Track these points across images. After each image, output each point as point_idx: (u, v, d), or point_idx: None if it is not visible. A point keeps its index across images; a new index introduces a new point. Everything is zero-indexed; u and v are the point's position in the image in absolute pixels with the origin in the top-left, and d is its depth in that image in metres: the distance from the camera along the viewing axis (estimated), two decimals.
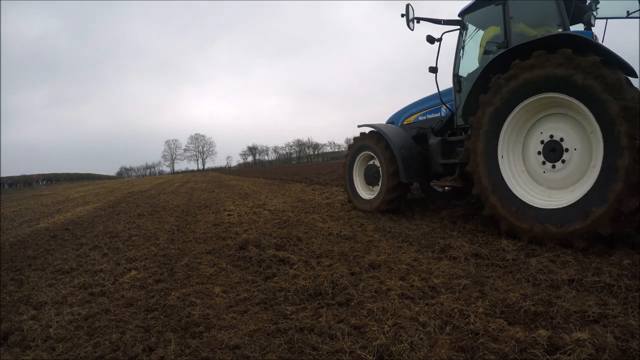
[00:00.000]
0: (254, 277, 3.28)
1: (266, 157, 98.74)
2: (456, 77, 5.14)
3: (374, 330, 2.15)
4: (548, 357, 1.79)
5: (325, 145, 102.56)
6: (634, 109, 2.98)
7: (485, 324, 2.11)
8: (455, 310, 2.31)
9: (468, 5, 4.92)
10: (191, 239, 5.07)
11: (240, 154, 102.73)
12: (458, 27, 5.16)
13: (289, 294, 2.81)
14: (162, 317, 2.56)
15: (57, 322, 2.57)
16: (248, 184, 16.43)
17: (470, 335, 2.03)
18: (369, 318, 2.34)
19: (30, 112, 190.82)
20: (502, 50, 4.17)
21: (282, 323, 2.33)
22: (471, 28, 5.10)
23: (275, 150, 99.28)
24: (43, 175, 50.56)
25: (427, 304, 2.47)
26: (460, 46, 5.15)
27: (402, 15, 5.08)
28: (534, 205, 3.64)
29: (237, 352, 2.05)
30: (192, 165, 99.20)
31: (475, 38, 5.09)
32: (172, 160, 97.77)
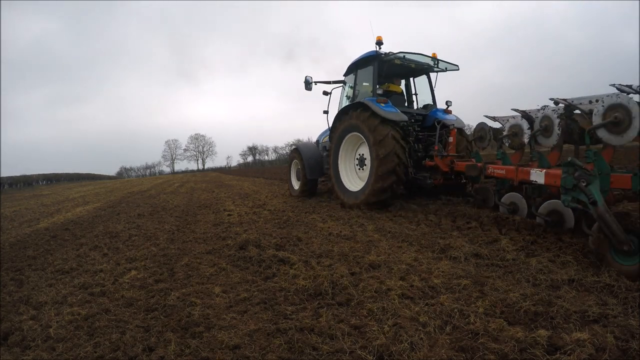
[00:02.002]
0: (254, 277, 3.28)
1: (266, 157, 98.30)
2: None
3: (374, 330, 2.15)
4: (548, 357, 1.79)
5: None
6: (378, 139, 5.85)
7: (485, 324, 2.11)
8: (455, 310, 2.31)
9: (345, 71, 7.78)
10: (191, 239, 5.07)
11: (240, 154, 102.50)
12: (342, 84, 8.20)
13: (289, 294, 2.81)
14: (162, 317, 2.56)
15: (57, 322, 2.56)
16: (248, 184, 16.43)
17: (470, 335, 2.03)
18: (369, 318, 2.34)
19: (30, 112, 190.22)
20: (348, 103, 7.21)
21: (282, 323, 2.33)
22: (351, 84, 7.64)
23: (275, 150, 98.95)
24: (43, 175, 50.51)
25: (427, 304, 2.47)
26: (343, 96, 8.01)
27: (304, 82, 8.20)
28: (353, 190, 6.62)
29: (237, 352, 2.05)
30: (192, 165, 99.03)
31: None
32: (172, 160, 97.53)
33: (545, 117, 4.10)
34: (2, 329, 2.50)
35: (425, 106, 7.40)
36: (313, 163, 8.33)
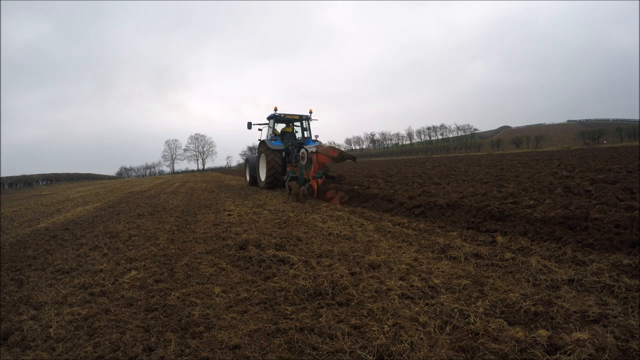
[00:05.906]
0: (254, 277, 3.28)
1: None
2: None
3: (374, 330, 2.15)
4: (548, 357, 1.79)
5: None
6: (267, 160, 12.22)
7: (485, 324, 2.11)
8: (455, 310, 2.31)
9: (267, 117, 13.41)
10: (191, 239, 5.07)
11: (240, 154, 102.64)
12: (267, 124, 13.53)
13: (289, 294, 2.81)
14: (162, 317, 2.56)
15: (57, 322, 2.56)
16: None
17: (470, 335, 2.03)
18: (369, 318, 2.34)
19: (30, 113, 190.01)
20: (264, 139, 13.11)
21: (282, 323, 2.33)
22: (267, 126, 13.66)
23: None
24: (43, 175, 50.44)
25: (427, 304, 2.47)
26: (267, 132, 13.31)
27: (247, 124, 13.65)
28: (263, 179, 12.89)
29: (237, 352, 2.05)
30: (192, 165, 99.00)
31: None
32: (172, 160, 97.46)
33: (302, 151, 9.65)
34: (2, 329, 2.50)
35: (306, 138, 13.34)
36: (254, 166, 14.41)
